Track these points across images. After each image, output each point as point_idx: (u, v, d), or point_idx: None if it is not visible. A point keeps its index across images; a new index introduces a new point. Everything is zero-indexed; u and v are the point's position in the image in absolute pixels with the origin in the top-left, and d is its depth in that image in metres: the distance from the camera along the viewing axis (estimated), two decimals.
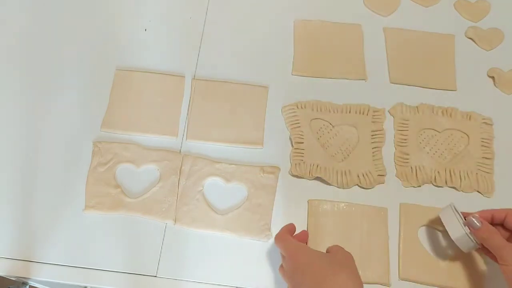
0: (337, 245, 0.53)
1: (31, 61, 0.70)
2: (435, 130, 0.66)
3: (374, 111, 0.67)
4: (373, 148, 0.65)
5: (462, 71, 0.71)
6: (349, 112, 0.67)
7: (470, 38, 0.74)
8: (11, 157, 0.64)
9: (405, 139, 0.66)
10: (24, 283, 0.79)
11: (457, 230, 0.54)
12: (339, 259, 0.50)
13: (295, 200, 0.62)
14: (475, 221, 0.52)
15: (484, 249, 0.54)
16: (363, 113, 0.67)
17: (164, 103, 0.67)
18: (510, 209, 0.54)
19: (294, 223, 0.59)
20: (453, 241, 0.55)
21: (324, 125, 0.66)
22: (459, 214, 0.55)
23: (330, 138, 0.65)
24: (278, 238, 0.54)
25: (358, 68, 0.71)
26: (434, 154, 0.65)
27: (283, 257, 0.53)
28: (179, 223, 0.60)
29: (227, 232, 0.60)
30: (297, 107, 0.67)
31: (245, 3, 0.76)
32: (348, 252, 0.51)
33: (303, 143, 0.64)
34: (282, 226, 0.59)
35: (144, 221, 0.60)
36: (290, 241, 0.53)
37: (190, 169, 0.63)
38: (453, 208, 0.55)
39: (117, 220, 0.60)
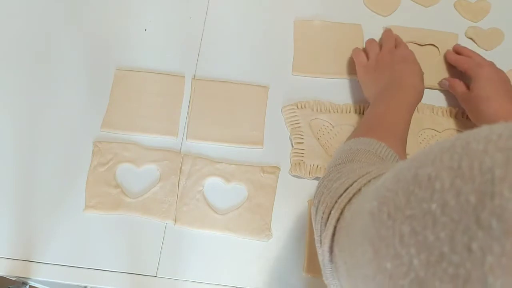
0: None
1: (30, 61, 0.70)
2: (435, 130, 0.66)
3: None
4: None
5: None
6: (349, 112, 0.67)
7: (470, 38, 0.74)
8: (11, 157, 0.64)
9: None
10: (24, 283, 0.79)
11: None
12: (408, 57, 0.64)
13: (295, 200, 0.62)
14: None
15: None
16: (363, 113, 0.67)
17: (164, 103, 0.67)
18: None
19: (294, 223, 0.59)
20: None
21: (324, 125, 0.66)
22: None
23: (330, 138, 0.65)
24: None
25: None
26: None
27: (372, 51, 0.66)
28: (179, 223, 0.60)
29: (227, 232, 0.60)
30: (297, 107, 0.67)
31: (245, 3, 0.76)
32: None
33: (303, 143, 0.64)
34: (282, 226, 0.60)
35: (144, 221, 0.60)
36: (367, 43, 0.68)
37: (190, 169, 0.63)
38: None
39: (117, 220, 0.60)
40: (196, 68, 0.70)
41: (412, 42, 0.72)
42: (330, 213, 0.36)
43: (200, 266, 0.58)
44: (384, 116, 0.55)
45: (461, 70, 0.67)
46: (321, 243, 0.36)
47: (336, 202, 0.36)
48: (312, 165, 0.63)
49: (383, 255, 0.25)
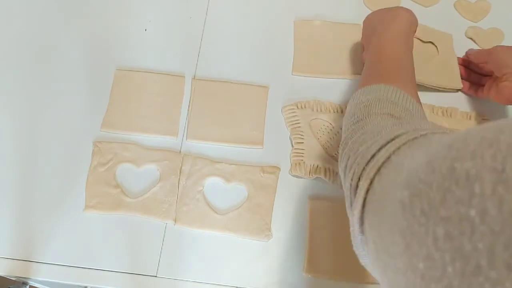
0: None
1: (30, 61, 0.70)
2: None
3: None
4: None
5: None
6: None
7: (470, 38, 0.74)
8: (11, 157, 0.64)
9: None
10: (24, 283, 0.79)
11: None
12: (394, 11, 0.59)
13: (295, 200, 0.62)
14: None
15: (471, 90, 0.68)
16: None
17: (164, 103, 0.67)
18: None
19: (294, 223, 0.59)
20: None
21: (324, 125, 0.66)
22: None
23: (330, 138, 0.65)
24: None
25: (358, 67, 0.71)
26: None
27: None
28: (179, 223, 0.60)
29: (227, 232, 0.60)
30: (297, 107, 0.67)
31: (245, 3, 0.76)
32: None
33: (303, 143, 0.64)
34: (282, 226, 0.60)
35: (144, 221, 0.60)
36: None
37: (190, 169, 0.63)
38: None
39: (117, 220, 0.60)
40: (196, 68, 0.70)
41: (415, 37, 0.70)
42: (358, 180, 0.34)
43: (200, 266, 0.58)
44: (380, 55, 0.52)
45: (478, 63, 0.68)
46: (352, 210, 0.35)
47: (364, 169, 0.34)
48: (312, 165, 0.63)
49: (415, 252, 0.23)
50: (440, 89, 0.69)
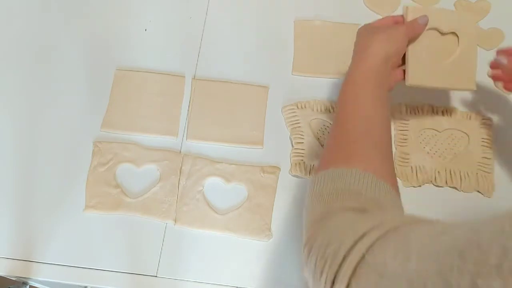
0: (413, 20, 0.54)
1: (30, 61, 0.70)
2: (435, 130, 0.66)
3: None
4: None
5: None
6: None
7: None
8: (11, 157, 0.64)
9: (405, 139, 0.66)
10: (24, 283, 0.79)
11: None
12: (384, 28, 0.52)
13: (295, 200, 0.62)
14: (502, 59, 0.57)
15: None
16: None
17: (164, 103, 0.67)
18: None
19: (294, 223, 0.60)
20: None
21: (324, 125, 0.66)
22: None
23: None
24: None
25: None
26: (434, 154, 0.65)
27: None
28: (179, 223, 0.60)
29: (227, 232, 0.60)
30: (297, 107, 0.67)
31: (245, 3, 0.76)
32: (402, 28, 0.53)
33: (303, 143, 0.64)
34: (282, 226, 0.60)
35: (144, 221, 0.60)
36: (366, 24, 0.55)
37: (190, 169, 0.63)
38: None
39: (117, 220, 0.60)
40: (196, 68, 0.70)
41: (433, 28, 0.57)
42: (332, 285, 0.32)
43: (200, 266, 0.58)
44: (345, 110, 0.46)
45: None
46: None
47: (337, 272, 0.32)
48: (312, 165, 0.63)
49: None
50: (453, 89, 0.64)
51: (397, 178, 0.63)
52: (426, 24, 0.54)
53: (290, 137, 0.65)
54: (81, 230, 0.60)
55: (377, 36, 0.50)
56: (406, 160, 0.64)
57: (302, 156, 0.63)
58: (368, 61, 0.48)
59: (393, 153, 0.65)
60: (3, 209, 0.61)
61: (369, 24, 0.56)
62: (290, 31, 0.73)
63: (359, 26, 0.56)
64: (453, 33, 0.58)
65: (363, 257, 0.31)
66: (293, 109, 0.67)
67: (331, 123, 0.66)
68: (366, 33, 0.52)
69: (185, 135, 0.65)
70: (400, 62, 0.55)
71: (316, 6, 0.76)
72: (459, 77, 0.59)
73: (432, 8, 0.63)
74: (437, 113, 0.67)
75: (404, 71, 0.56)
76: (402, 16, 0.56)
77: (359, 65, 0.49)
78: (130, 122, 0.66)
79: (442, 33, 0.58)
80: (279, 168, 0.63)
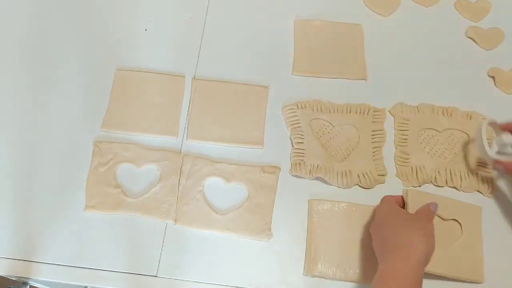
0: (427, 208, 0.55)
1: (31, 62, 0.70)
2: (435, 130, 0.66)
3: (374, 111, 0.67)
4: (373, 148, 0.65)
5: (462, 71, 0.71)
6: (350, 112, 0.67)
7: (470, 38, 0.74)
8: (11, 157, 0.64)
9: (406, 139, 0.66)
10: (25, 283, 0.79)
11: (483, 153, 0.59)
12: (416, 218, 0.54)
13: (295, 200, 0.62)
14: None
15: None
16: (363, 113, 0.67)
17: (164, 103, 0.67)
18: None
19: (294, 223, 0.59)
20: None
21: (324, 125, 0.66)
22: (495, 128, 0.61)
23: (330, 138, 0.65)
24: (384, 198, 0.59)
25: (358, 68, 0.71)
26: (434, 154, 0.65)
27: (374, 213, 0.58)
28: (179, 223, 0.60)
29: (227, 232, 0.60)
30: (297, 107, 0.67)
31: (245, 3, 0.76)
32: (430, 219, 0.54)
33: (303, 143, 0.64)
34: (282, 226, 0.60)
35: (144, 221, 0.60)
36: (388, 200, 0.58)
37: (190, 169, 0.63)
38: (485, 126, 0.59)
39: (117, 220, 0.60)
40: (196, 68, 0.70)
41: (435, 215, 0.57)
42: None
43: (200, 266, 0.58)
44: None
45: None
46: None
47: None
48: (312, 165, 0.63)
49: None
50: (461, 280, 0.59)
51: (397, 178, 0.64)
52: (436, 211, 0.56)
53: (290, 137, 0.65)
54: (81, 230, 0.60)
55: (417, 232, 0.51)
56: (407, 160, 0.64)
57: (302, 156, 0.63)
58: (411, 261, 0.49)
59: (393, 153, 0.65)
60: (3, 209, 0.61)
61: (393, 203, 0.57)
62: (290, 31, 0.73)
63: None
64: (455, 219, 0.60)
65: None
66: (293, 109, 0.67)
67: (331, 123, 0.66)
68: (402, 222, 0.53)
69: (185, 135, 0.65)
70: None
71: (316, 6, 0.76)
72: (466, 267, 0.58)
73: (432, 195, 0.61)
74: (437, 113, 0.67)
75: None
76: (402, 196, 0.59)
77: (399, 264, 0.50)
78: (130, 122, 0.66)
79: (444, 219, 0.60)
80: (279, 168, 0.63)
